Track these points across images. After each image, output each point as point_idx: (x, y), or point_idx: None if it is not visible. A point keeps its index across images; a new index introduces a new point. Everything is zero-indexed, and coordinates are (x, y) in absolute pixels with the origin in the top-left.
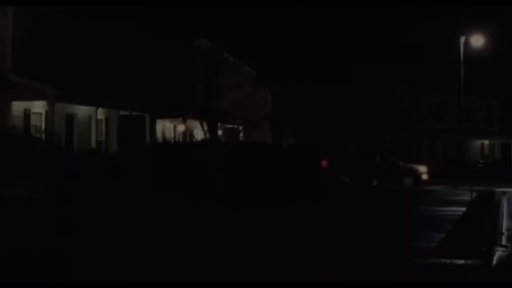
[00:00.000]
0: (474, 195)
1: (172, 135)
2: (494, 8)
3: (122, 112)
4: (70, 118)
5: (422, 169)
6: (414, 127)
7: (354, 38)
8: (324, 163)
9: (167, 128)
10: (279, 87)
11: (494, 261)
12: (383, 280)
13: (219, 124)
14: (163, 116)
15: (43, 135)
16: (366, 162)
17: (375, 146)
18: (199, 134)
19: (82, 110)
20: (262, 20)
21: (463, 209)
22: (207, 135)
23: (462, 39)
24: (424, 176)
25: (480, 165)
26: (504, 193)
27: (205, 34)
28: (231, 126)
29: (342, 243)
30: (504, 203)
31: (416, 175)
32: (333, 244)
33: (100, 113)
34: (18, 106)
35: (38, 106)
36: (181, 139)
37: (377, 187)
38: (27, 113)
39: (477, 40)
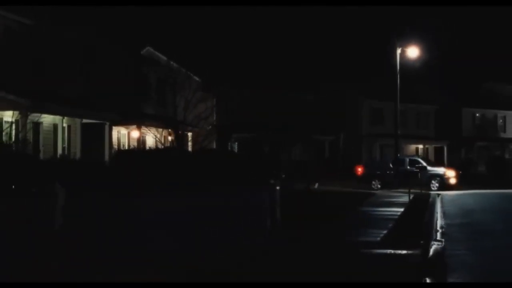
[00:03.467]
0: (411, 197)
1: (127, 141)
2: (429, 19)
3: (85, 120)
4: (37, 126)
5: (450, 173)
6: (353, 131)
7: (294, 42)
8: (359, 169)
9: (122, 135)
10: (222, 94)
11: (431, 253)
12: (339, 269)
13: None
14: (119, 124)
15: (14, 143)
16: (395, 167)
17: (316, 149)
18: (151, 140)
19: (47, 118)
20: (202, 27)
21: (402, 209)
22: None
23: (399, 50)
24: (452, 181)
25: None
26: (438, 195)
27: (150, 41)
28: (180, 132)
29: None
30: (438, 204)
31: (444, 179)
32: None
33: (64, 121)
34: None
35: (8, 115)
36: (135, 145)
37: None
38: None
39: (412, 51)
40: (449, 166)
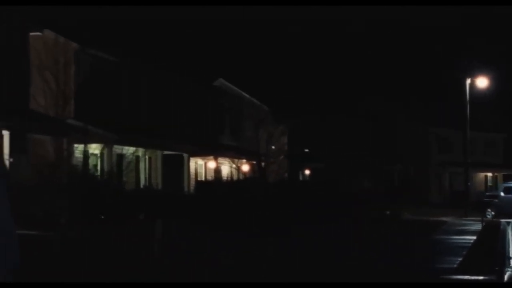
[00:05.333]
0: (483, 225)
1: (203, 171)
2: (498, 51)
3: (165, 152)
4: (120, 158)
5: None
6: (422, 161)
7: (362, 74)
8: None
9: (199, 165)
10: (293, 125)
11: (505, 279)
12: None
13: (244, 161)
14: (196, 155)
15: (100, 174)
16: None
17: (386, 179)
18: (226, 170)
19: (130, 150)
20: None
21: (474, 237)
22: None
23: (468, 81)
24: None
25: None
26: (508, 223)
27: (221, 73)
28: (260, 163)
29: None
30: (509, 232)
31: None
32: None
33: (146, 153)
34: (79, 148)
35: (94, 147)
36: (212, 175)
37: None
38: (86, 154)
39: (482, 81)
40: None
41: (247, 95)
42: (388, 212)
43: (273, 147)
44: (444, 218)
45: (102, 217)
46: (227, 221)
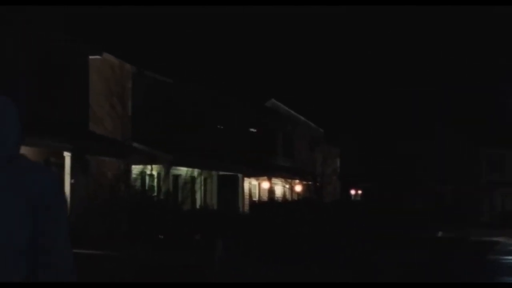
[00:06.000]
0: None
1: (257, 191)
2: None
3: (221, 173)
4: (176, 179)
5: None
6: (472, 180)
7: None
8: None
9: (252, 185)
10: (345, 145)
11: None
12: None
13: (297, 181)
14: (250, 175)
15: (157, 195)
16: None
17: (437, 199)
18: (279, 190)
19: (185, 171)
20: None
21: None
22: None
23: None
24: None
25: None
26: None
27: (273, 94)
28: (306, 183)
29: None
30: None
31: None
32: None
33: (202, 174)
34: (136, 169)
35: (151, 168)
36: (266, 195)
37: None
38: (143, 175)
39: None
40: None
41: (298, 115)
42: (440, 233)
43: (328, 168)
44: (496, 238)
45: (161, 236)
46: (285, 242)
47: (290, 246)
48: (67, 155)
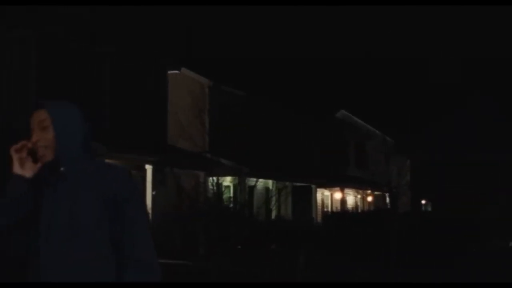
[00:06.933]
0: None
1: (329, 202)
2: None
3: (295, 184)
4: (251, 190)
5: None
6: None
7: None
8: None
9: (325, 196)
10: (415, 156)
11: None
12: None
13: (368, 191)
14: (323, 186)
15: (232, 205)
16: None
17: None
18: (351, 200)
19: (260, 182)
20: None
21: None
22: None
23: None
24: None
25: None
26: None
27: (343, 105)
28: (379, 193)
29: None
30: None
31: None
32: None
33: (276, 185)
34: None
35: (227, 180)
36: (338, 206)
37: None
38: (220, 187)
39: None
40: None
41: (368, 126)
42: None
43: (402, 179)
44: None
45: (239, 247)
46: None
47: (374, 255)
48: (148, 168)
